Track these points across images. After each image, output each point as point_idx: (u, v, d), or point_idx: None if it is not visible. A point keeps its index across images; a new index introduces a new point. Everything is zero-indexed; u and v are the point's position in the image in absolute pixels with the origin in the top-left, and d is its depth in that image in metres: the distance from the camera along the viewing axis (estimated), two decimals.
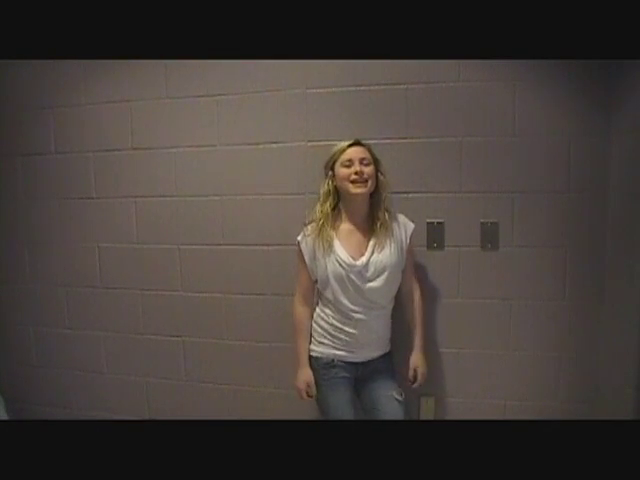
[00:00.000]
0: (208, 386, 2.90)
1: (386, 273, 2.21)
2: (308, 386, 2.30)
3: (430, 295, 2.55)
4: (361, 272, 2.19)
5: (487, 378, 2.60)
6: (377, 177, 2.25)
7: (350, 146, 2.23)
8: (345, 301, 2.22)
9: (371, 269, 2.20)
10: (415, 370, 2.33)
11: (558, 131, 2.44)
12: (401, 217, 2.34)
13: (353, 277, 2.19)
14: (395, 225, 2.28)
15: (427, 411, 2.64)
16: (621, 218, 2.31)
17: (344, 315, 2.24)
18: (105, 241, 2.94)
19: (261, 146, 2.68)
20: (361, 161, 2.19)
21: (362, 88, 2.56)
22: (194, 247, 2.82)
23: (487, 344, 2.58)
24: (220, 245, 2.79)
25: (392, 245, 2.23)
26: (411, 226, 2.32)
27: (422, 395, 2.62)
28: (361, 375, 2.31)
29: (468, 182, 2.52)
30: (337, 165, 2.23)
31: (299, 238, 2.32)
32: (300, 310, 2.37)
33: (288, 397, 2.74)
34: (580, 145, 2.42)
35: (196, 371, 2.91)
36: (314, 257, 2.27)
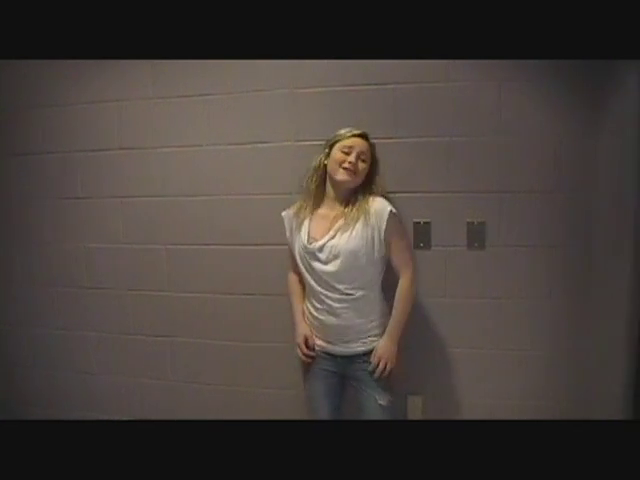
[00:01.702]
0: (196, 386, 2.90)
1: (340, 258, 2.16)
2: (305, 339, 2.31)
3: (417, 294, 2.53)
4: (315, 254, 2.20)
5: (475, 377, 2.62)
6: (372, 176, 2.28)
7: (357, 136, 2.23)
8: (312, 282, 2.25)
9: (325, 252, 2.18)
10: (379, 359, 2.19)
11: (546, 131, 2.45)
12: (380, 204, 2.19)
13: (308, 258, 2.22)
14: (370, 211, 2.17)
15: (415, 410, 2.65)
16: (607, 218, 2.32)
17: (317, 299, 2.25)
18: (93, 241, 2.93)
19: (249, 146, 2.68)
20: (359, 154, 2.19)
21: (350, 88, 2.57)
22: (182, 247, 2.82)
23: (474, 343, 2.60)
24: (208, 245, 2.78)
25: (356, 231, 2.15)
26: (387, 210, 2.16)
27: (410, 394, 2.63)
28: (348, 372, 2.28)
29: (455, 182, 2.53)
30: (336, 147, 2.22)
31: (283, 214, 2.38)
32: (291, 276, 2.46)
33: (278, 397, 2.76)
34: (567, 145, 2.44)
35: (185, 371, 2.91)
36: (292, 234, 2.34)
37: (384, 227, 2.16)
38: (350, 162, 2.16)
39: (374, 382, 2.22)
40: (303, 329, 2.34)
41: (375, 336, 2.25)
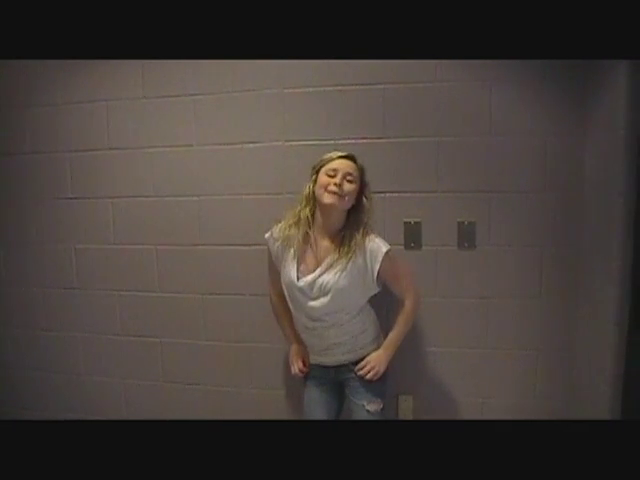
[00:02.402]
0: (186, 387, 2.89)
1: (329, 296, 2.11)
2: (298, 358, 2.35)
3: None
4: (303, 290, 2.15)
5: (465, 376, 2.62)
6: (361, 200, 2.20)
7: (342, 157, 2.16)
8: (296, 312, 2.25)
9: (315, 288, 2.13)
10: (366, 363, 2.21)
11: (534, 131, 2.46)
12: (375, 244, 2.15)
13: (297, 293, 2.17)
14: (365, 250, 2.14)
15: (405, 410, 2.65)
16: (596, 217, 2.33)
17: (300, 324, 2.27)
18: (82, 242, 2.91)
19: (239, 146, 2.68)
20: (345, 175, 2.11)
21: (339, 88, 2.57)
22: (172, 247, 2.81)
23: (464, 342, 2.60)
24: (198, 245, 2.77)
25: (347, 269, 2.11)
26: (382, 250, 2.14)
27: (400, 394, 2.64)
28: (338, 379, 2.30)
29: (445, 182, 2.53)
30: (322, 171, 2.15)
31: (266, 236, 2.31)
32: (274, 299, 2.43)
33: (267, 397, 2.75)
34: (556, 145, 2.45)
35: (174, 372, 2.89)
36: (277, 260, 2.30)
37: (377, 268, 2.14)
38: (335, 184, 2.08)
39: (363, 389, 2.23)
40: (294, 349, 2.40)
41: (366, 346, 2.27)
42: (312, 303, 2.15)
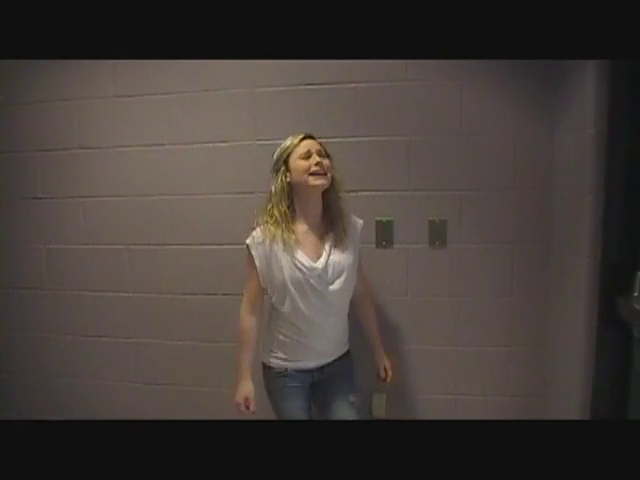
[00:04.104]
0: (159, 387, 2.87)
1: (344, 274, 2.11)
2: (247, 400, 2.18)
3: (380, 293, 2.57)
4: (321, 275, 2.07)
5: (438, 374, 2.64)
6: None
7: (305, 138, 2.12)
8: (304, 309, 2.09)
9: (330, 271, 2.09)
10: (385, 368, 2.36)
11: (504, 130, 2.48)
12: (353, 217, 2.23)
13: (312, 282, 2.07)
14: (349, 224, 2.18)
15: (379, 408, 2.66)
16: (566, 214, 2.35)
17: (300, 325, 2.12)
18: (52, 242, 2.88)
19: (210, 145, 2.67)
20: (319, 152, 2.08)
21: (311, 87, 2.57)
22: (143, 247, 2.79)
23: (437, 340, 2.62)
24: (170, 245, 2.76)
25: (348, 245, 2.15)
26: (360, 222, 2.24)
27: (374, 392, 2.64)
28: (317, 380, 2.24)
29: (416, 180, 2.54)
30: (292, 158, 2.08)
31: (248, 242, 2.13)
32: (247, 319, 2.20)
33: None
34: (525, 144, 2.47)
35: (146, 372, 2.88)
36: (267, 263, 2.11)
37: (358, 238, 2.23)
38: (317, 163, 2.04)
39: (346, 383, 2.25)
40: (246, 390, 2.20)
41: (345, 343, 2.31)
42: (332, 287, 2.10)
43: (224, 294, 2.71)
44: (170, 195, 2.73)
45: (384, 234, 2.57)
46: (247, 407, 2.18)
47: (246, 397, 2.18)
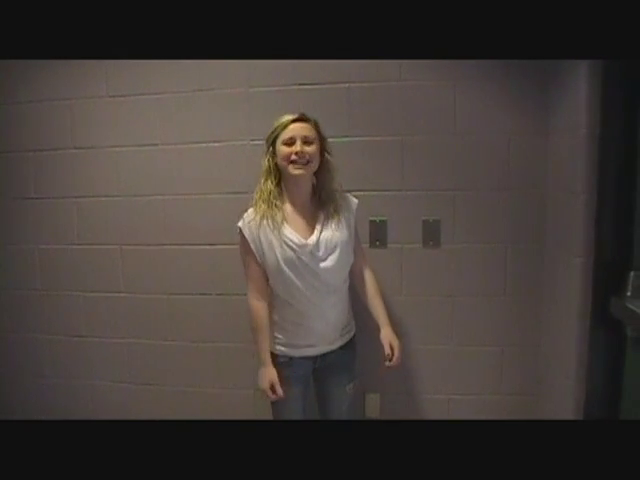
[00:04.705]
0: (153, 387, 2.86)
1: (337, 251, 2.10)
2: (273, 385, 2.11)
3: None
4: (312, 252, 2.07)
5: (431, 374, 2.64)
6: (323, 156, 2.14)
7: (294, 121, 2.07)
8: (299, 288, 2.08)
9: (322, 248, 2.08)
10: (391, 345, 2.17)
11: (498, 130, 2.48)
12: (347, 196, 2.24)
13: (304, 259, 2.06)
14: (342, 202, 2.18)
15: (372, 408, 2.66)
16: (559, 214, 2.36)
17: (299, 307, 2.12)
18: (45, 242, 2.87)
19: (204, 145, 2.66)
20: (304, 139, 2.04)
21: (305, 87, 2.57)
22: (137, 247, 2.78)
23: (430, 340, 2.62)
24: (164, 245, 2.75)
25: (341, 222, 2.14)
26: (355, 201, 2.24)
27: (367, 392, 2.65)
28: (319, 367, 2.24)
29: (410, 180, 2.54)
30: (278, 142, 2.07)
31: (240, 224, 2.13)
32: (256, 306, 2.17)
33: (234, 397, 2.74)
34: (519, 144, 2.48)
35: (139, 372, 2.87)
36: (260, 242, 2.10)
37: (353, 219, 2.22)
38: (297, 152, 2.02)
39: (346, 372, 2.26)
40: (271, 374, 2.13)
41: (348, 327, 2.29)
42: (324, 264, 2.09)
43: (218, 294, 2.71)
44: (164, 195, 2.72)
45: (378, 234, 2.58)
46: (274, 392, 2.13)
47: (271, 382, 2.12)
